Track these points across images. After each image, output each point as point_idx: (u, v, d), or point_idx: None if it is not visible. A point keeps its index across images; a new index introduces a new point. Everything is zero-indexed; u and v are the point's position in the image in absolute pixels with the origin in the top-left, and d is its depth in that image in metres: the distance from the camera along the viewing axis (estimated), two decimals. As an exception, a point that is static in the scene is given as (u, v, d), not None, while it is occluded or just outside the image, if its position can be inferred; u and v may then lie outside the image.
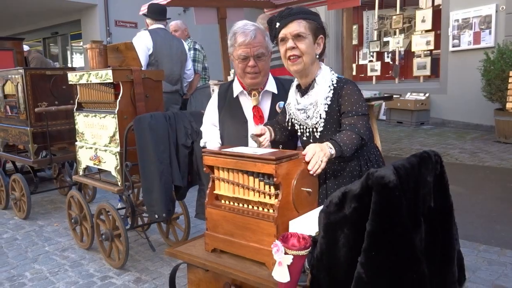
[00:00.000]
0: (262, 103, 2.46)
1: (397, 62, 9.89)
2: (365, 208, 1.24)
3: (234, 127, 2.49)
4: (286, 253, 1.28)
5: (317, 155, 1.74)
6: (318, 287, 1.34)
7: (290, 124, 2.20)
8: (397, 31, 9.83)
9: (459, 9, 8.16)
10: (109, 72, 2.83)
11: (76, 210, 3.41)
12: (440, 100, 8.76)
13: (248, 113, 2.46)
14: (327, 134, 2.01)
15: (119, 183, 2.94)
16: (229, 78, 7.07)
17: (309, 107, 2.03)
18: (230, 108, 2.52)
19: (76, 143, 3.36)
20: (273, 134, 2.19)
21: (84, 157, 3.27)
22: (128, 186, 2.86)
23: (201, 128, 2.65)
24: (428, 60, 9.08)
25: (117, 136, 2.87)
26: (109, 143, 2.96)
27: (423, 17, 8.99)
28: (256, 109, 2.45)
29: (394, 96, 7.57)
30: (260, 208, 1.72)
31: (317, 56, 2.02)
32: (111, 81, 2.85)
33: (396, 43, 9.85)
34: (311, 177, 1.76)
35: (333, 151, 1.81)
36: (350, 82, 2.00)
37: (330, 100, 1.98)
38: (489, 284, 2.74)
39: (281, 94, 2.48)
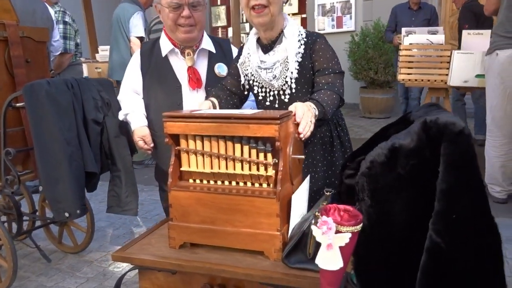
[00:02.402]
0: (198, 64, 2.05)
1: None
2: (426, 164, 1.02)
3: (165, 94, 2.03)
4: (338, 231, 0.98)
5: (307, 116, 1.45)
6: (367, 270, 1.07)
7: (246, 87, 1.85)
8: (265, 14, 9.98)
9: (323, -6, 8.65)
10: (-29, 25, 2.04)
11: None
12: (309, 81, 9.24)
13: (182, 76, 2.03)
14: (297, 96, 1.74)
15: (-6, 178, 2.18)
16: (98, 56, 6.19)
17: (276, 66, 1.71)
18: (157, 70, 2.04)
19: None
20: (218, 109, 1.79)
21: None
22: (10, 181, 2.13)
23: (119, 97, 2.11)
24: (296, 42, 9.44)
25: (-11, 115, 2.11)
26: (-25, 124, 2.16)
27: (290, 0, 9.29)
28: (192, 70, 2.03)
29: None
30: (249, 184, 1.36)
31: (284, 4, 1.72)
32: (-25, 38, 2.06)
33: (264, 25, 10.00)
34: (299, 142, 1.47)
35: (317, 112, 1.54)
36: (322, 37, 1.75)
37: (301, 57, 1.70)
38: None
39: (219, 54, 2.11)
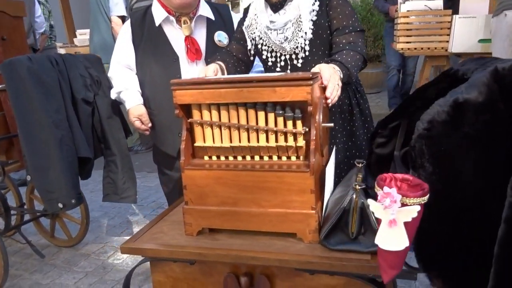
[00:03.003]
0: (196, 33, 1.85)
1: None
2: (501, 119, 0.86)
3: (161, 68, 1.83)
4: (404, 204, 0.81)
5: (334, 78, 1.28)
6: (430, 246, 0.91)
7: (252, 52, 1.67)
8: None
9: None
10: None
11: None
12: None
13: (179, 47, 1.82)
14: (312, 60, 1.56)
15: (-26, 170, 1.95)
16: (76, 41, 5.86)
17: (288, 26, 1.53)
18: (151, 42, 1.83)
19: None
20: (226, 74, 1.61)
21: None
22: (-6, 172, 1.92)
23: (110, 74, 1.90)
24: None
25: (-37, 99, 1.87)
26: (-51, 111, 1.93)
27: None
28: (190, 40, 1.82)
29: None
30: (275, 157, 1.18)
31: None
32: None
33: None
34: (326, 109, 1.30)
35: (341, 75, 1.37)
36: None
37: (316, 15, 1.51)
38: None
39: (218, 21, 1.91)
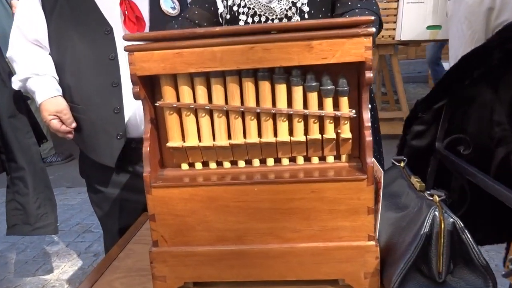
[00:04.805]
0: (136, -4, 1.36)
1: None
2: None
3: (87, 43, 1.32)
4: None
5: None
6: None
7: (228, 17, 1.22)
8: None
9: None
10: None
11: None
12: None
13: (112, 15, 1.32)
14: None
15: None
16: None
17: None
18: (71, 7, 1.31)
19: None
20: None
21: None
22: None
23: (10, 53, 1.34)
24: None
25: None
26: None
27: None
28: (128, 4, 1.33)
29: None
30: (300, 160, 0.74)
31: None
32: None
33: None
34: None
35: None
36: None
37: None
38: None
39: (164, -19, 1.43)
